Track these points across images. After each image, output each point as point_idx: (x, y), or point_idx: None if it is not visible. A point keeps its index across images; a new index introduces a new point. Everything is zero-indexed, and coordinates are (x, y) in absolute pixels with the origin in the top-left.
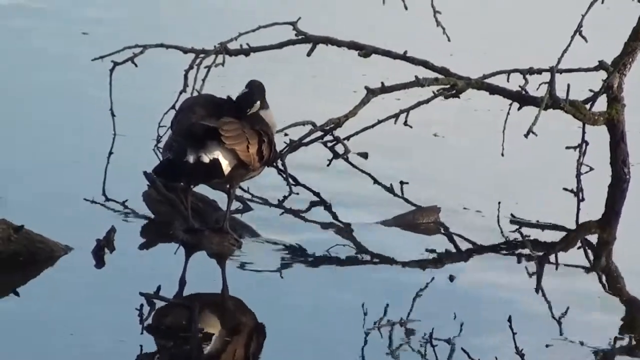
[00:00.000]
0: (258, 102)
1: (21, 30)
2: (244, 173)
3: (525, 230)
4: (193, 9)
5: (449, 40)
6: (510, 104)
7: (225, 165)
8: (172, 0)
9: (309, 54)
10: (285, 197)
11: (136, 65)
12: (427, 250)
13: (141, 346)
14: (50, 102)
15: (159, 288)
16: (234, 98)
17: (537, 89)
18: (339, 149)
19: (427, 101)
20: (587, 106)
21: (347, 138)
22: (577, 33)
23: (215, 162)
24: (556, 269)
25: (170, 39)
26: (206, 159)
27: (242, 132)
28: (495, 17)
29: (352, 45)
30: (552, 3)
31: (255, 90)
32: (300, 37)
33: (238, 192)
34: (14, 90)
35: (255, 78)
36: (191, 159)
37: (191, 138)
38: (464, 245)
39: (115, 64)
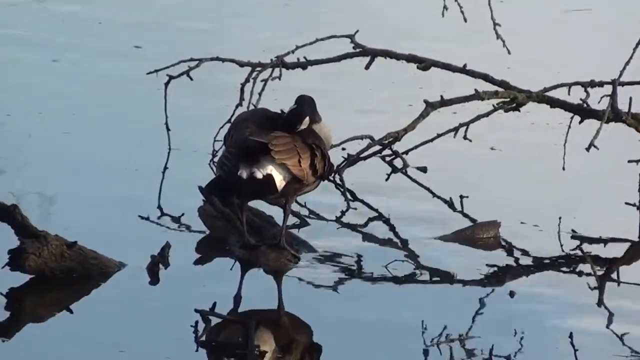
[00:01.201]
0: (307, 118)
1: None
2: (298, 188)
3: (586, 246)
4: (247, 22)
5: (509, 52)
6: (572, 117)
7: (279, 181)
8: (226, 14)
9: (367, 67)
10: (343, 212)
11: (191, 79)
12: (487, 265)
13: None
14: (106, 118)
15: (214, 305)
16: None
17: (599, 102)
18: (398, 163)
19: (487, 114)
20: None
21: (406, 152)
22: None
23: (269, 178)
24: (618, 285)
25: (226, 53)
26: (259, 174)
27: (293, 146)
28: (554, 30)
29: (411, 58)
30: (614, 15)
31: (304, 106)
32: (358, 50)
33: (294, 207)
34: (67, 106)
35: (311, 92)
36: (244, 174)
37: (244, 153)
38: (524, 261)
39: (171, 77)
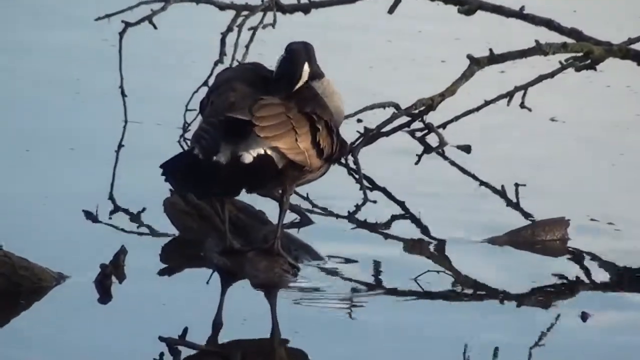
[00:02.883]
0: (306, 66)
1: None
2: (298, 175)
3: None
4: None
5: None
6: None
7: (279, 162)
8: None
9: (391, 11)
10: (358, 207)
11: (155, 27)
12: (551, 277)
13: None
14: (42, 77)
15: (185, 331)
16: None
17: None
18: (432, 140)
19: (552, 75)
20: None
21: (443, 125)
22: None
23: (264, 160)
24: None
25: None
26: (248, 157)
27: (287, 118)
28: None
29: None
30: None
31: (297, 54)
32: None
33: (294, 199)
34: None
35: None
36: (223, 158)
37: (226, 128)
38: (601, 273)
39: (127, 24)
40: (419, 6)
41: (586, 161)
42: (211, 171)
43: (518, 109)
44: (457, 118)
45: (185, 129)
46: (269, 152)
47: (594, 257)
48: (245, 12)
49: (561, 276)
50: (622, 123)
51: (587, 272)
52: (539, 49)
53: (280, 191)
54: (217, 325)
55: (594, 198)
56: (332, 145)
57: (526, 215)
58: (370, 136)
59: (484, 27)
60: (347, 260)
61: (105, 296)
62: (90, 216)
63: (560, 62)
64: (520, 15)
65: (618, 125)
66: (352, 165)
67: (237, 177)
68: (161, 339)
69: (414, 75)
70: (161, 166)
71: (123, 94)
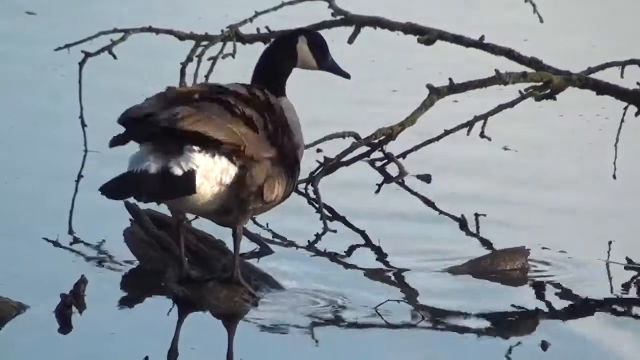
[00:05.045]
0: (303, 39)
1: None
2: (244, 196)
3: None
4: None
5: (541, 21)
6: (625, 108)
7: (203, 185)
8: None
9: (350, 41)
10: (317, 236)
11: (115, 57)
12: (511, 307)
13: None
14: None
15: None
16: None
17: None
18: (392, 169)
19: (512, 104)
20: None
21: (403, 155)
22: None
23: (188, 175)
24: None
25: (161, 22)
26: (177, 170)
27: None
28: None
29: (410, 29)
30: None
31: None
32: (339, 17)
33: (254, 229)
34: None
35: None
36: (152, 168)
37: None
38: (561, 301)
39: (87, 54)
40: (376, 35)
41: (542, 190)
42: (138, 182)
43: (468, 137)
44: (417, 148)
45: None
46: (202, 166)
47: (554, 286)
48: (204, 42)
49: (521, 306)
50: (575, 151)
51: (547, 302)
52: (499, 79)
53: (233, 221)
54: (174, 354)
55: (558, 229)
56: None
57: (486, 244)
58: (330, 166)
59: (434, 57)
60: (307, 290)
61: (65, 326)
62: (51, 244)
63: (520, 92)
64: (480, 45)
65: (570, 154)
66: (312, 194)
67: (161, 187)
68: None
69: (369, 105)
70: (100, 188)
71: (83, 124)
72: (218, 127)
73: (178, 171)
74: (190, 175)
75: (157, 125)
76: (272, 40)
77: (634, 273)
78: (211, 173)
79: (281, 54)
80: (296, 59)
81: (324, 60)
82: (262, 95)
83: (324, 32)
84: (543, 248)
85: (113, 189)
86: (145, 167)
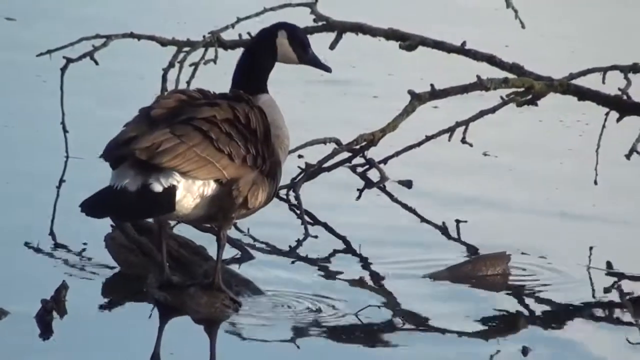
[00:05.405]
0: (283, 34)
1: None
2: (228, 206)
3: (626, 285)
4: None
5: (523, 27)
6: (607, 114)
7: (184, 199)
8: None
9: (332, 47)
10: (299, 242)
11: (97, 63)
12: (492, 312)
13: None
14: None
15: None
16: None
17: None
18: (373, 175)
19: (494, 110)
20: None
21: (384, 161)
22: None
23: (168, 193)
24: None
25: (143, 29)
26: (158, 187)
27: (173, 136)
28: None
29: (392, 34)
30: None
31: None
32: (320, 23)
33: (236, 234)
34: None
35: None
36: (132, 186)
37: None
38: (542, 306)
39: (69, 60)
40: (358, 41)
41: (527, 195)
42: (122, 197)
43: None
44: (398, 153)
45: None
46: (182, 181)
47: (535, 291)
48: (186, 48)
49: (502, 310)
50: (555, 156)
51: (528, 307)
52: (480, 85)
53: (217, 227)
54: None
55: (539, 234)
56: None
57: (468, 249)
58: (311, 172)
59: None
60: (288, 296)
61: (46, 332)
62: (32, 250)
63: (502, 97)
64: (462, 50)
65: (551, 159)
66: (293, 200)
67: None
68: None
69: (350, 111)
70: (80, 204)
71: (65, 130)
72: (198, 164)
73: (158, 187)
74: (171, 191)
75: (135, 157)
76: (255, 35)
77: (615, 278)
78: (193, 187)
79: (261, 49)
80: (276, 54)
81: (305, 55)
82: (245, 107)
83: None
84: (523, 253)
85: (93, 208)
86: (124, 185)
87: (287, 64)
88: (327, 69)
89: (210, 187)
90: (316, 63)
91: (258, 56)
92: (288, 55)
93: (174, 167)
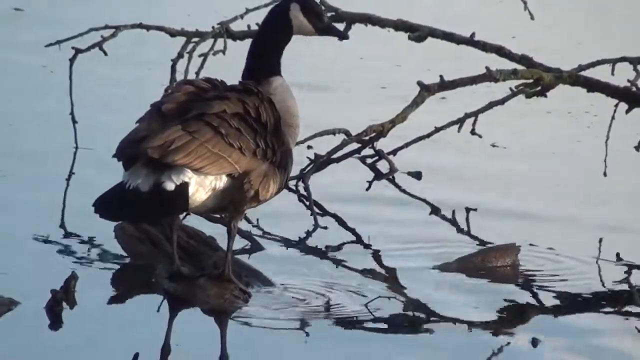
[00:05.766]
0: (297, 6)
1: None
2: (240, 199)
3: (636, 277)
4: None
5: (532, 18)
6: (616, 105)
7: (197, 194)
8: None
9: (345, 36)
10: (308, 233)
11: (105, 54)
12: (502, 303)
13: None
14: None
15: (136, 357)
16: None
17: None
18: (383, 166)
19: (503, 101)
20: None
21: (394, 152)
22: None
23: (182, 189)
24: None
25: (153, 19)
26: (170, 185)
27: (186, 133)
28: None
29: (401, 25)
30: None
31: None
32: (329, 14)
33: (245, 225)
34: None
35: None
36: (144, 186)
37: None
38: (552, 298)
39: (78, 51)
40: (365, 32)
41: (538, 186)
42: (129, 200)
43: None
44: (407, 145)
45: None
46: (194, 178)
47: (544, 283)
48: (195, 39)
49: (512, 302)
50: (562, 149)
51: (538, 298)
52: (489, 76)
53: (228, 218)
54: (165, 350)
55: (548, 225)
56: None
57: (478, 241)
58: (320, 163)
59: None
60: (298, 286)
61: (56, 322)
62: (42, 242)
63: (511, 89)
64: (471, 42)
65: (558, 152)
66: (302, 191)
67: (155, 205)
68: None
69: (359, 101)
70: (93, 204)
71: (74, 120)
72: (210, 160)
73: (170, 186)
74: (183, 187)
75: (147, 156)
76: (266, 15)
77: (624, 269)
78: (205, 181)
79: (276, 25)
80: (291, 27)
81: (320, 24)
82: (255, 100)
83: None
84: (531, 245)
85: (106, 211)
86: (137, 185)
87: (304, 35)
88: (344, 36)
89: (222, 181)
90: (333, 31)
91: (272, 33)
92: (304, 26)
93: (186, 165)
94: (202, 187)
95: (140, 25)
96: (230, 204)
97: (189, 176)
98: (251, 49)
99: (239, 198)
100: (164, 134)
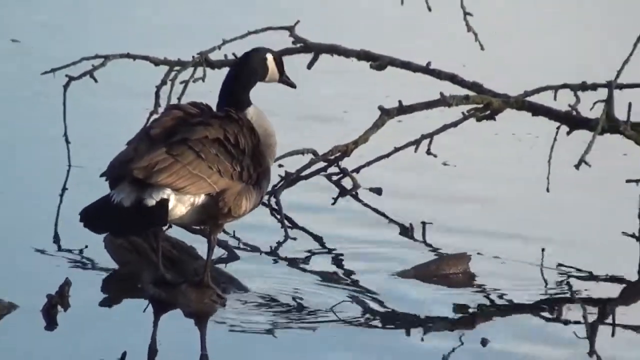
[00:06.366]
0: (269, 57)
1: None
2: (215, 214)
3: (575, 283)
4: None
5: (482, 48)
6: (558, 128)
7: (176, 209)
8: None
9: (309, 66)
10: (279, 243)
11: (96, 81)
12: (454, 307)
13: None
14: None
15: (124, 355)
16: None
17: (592, 108)
18: (347, 183)
19: (456, 124)
20: None
21: (357, 170)
22: None
23: (161, 205)
24: (612, 332)
25: (139, 50)
26: (151, 201)
27: (168, 156)
28: (536, 27)
29: (364, 55)
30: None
31: (259, 50)
32: (299, 45)
33: (223, 236)
34: None
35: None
36: (128, 201)
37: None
38: (500, 302)
39: (71, 78)
40: (327, 61)
41: (487, 200)
42: (117, 212)
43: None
44: (369, 163)
45: None
46: (172, 196)
47: (492, 288)
48: (177, 67)
49: (463, 305)
50: (508, 167)
51: (489, 302)
52: (443, 101)
53: (208, 231)
54: (151, 349)
55: (497, 236)
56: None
57: (432, 250)
58: (290, 180)
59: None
60: (270, 293)
61: (51, 324)
62: (38, 252)
63: (463, 113)
64: (427, 70)
65: (515, 171)
66: (274, 205)
67: (136, 219)
68: None
69: (325, 123)
70: (80, 213)
71: (67, 141)
72: (191, 181)
73: (151, 201)
74: (163, 203)
75: (132, 175)
76: (241, 56)
77: (564, 276)
78: (184, 198)
79: (253, 66)
80: (267, 72)
81: (284, 74)
82: (235, 128)
83: (285, 58)
84: (479, 254)
85: (91, 224)
86: (120, 200)
87: (269, 81)
88: (294, 85)
89: (199, 198)
90: (289, 82)
91: (250, 74)
92: (273, 74)
93: (169, 184)
94: (180, 203)
95: (128, 55)
96: (207, 219)
97: (168, 193)
98: (228, 84)
99: (214, 213)
100: (149, 156)
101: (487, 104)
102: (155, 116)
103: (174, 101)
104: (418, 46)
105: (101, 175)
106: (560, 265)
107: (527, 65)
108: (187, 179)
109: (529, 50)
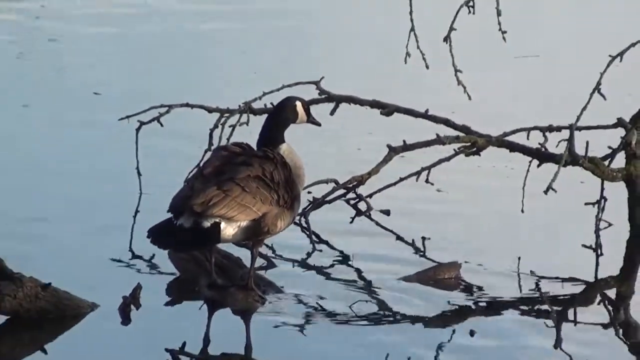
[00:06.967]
0: (298, 104)
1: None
2: (258, 233)
3: (544, 286)
4: (217, 71)
5: (469, 98)
6: (530, 161)
7: (226, 230)
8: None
9: (332, 113)
10: (308, 254)
11: (162, 125)
12: (448, 305)
13: None
14: (71, 167)
15: (184, 344)
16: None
17: (557, 145)
18: (362, 206)
19: (449, 159)
20: (606, 163)
21: (370, 195)
22: (596, 91)
23: (214, 227)
24: (574, 324)
25: (194, 100)
26: (206, 223)
27: (221, 192)
28: (513, 74)
29: (375, 104)
30: (568, 60)
31: (289, 98)
32: (323, 96)
33: (263, 249)
34: (38, 156)
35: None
36: (188, 223)
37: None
38: (484, 302)
39: (142, 123)
40: (349, 108)
41: (475, 221)
42: (179, 233)
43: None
44: (379, 190)
45: None
46: (218, 220)
47: (478, 290)
48: (226, 114)
49: (455, 304)
50: (499, 194)
51: (475, 301)
52: (439, 140)
53: (251, 245)
54: (207, 340)
55: (482, 248)
56: (271, 193)
57: (431, 260)
58: (317, 203)
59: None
60: (301, 293)
61: (126, 320)
62: (116, 261)
63: (454, 150)
64: (425, 115)
65: (497, 197)
66: (304, 224)
67: (193, 239)
68: (167, 350)
69: (343, 158)
70: (148, 231)
71: (139, 173)
72: (241, 211)
73: (207, 224)
74: (216, 226)
75: (193, 210)
76: (277, 104)
77: (536, 280)
78: (233, 222)
79: (286, 112)
80: (297, 116)
81: (311, 116)
82: (270, 166)
83: (312, 107)
84: (467, 262)
85: (157, 240)
86: (181, 223)
87: (299, 123)
88: (319, 124)
89: (245, 222)
90: (315, 122)
91: (284, 117)
92: (302, 117)
93: (222, 215)
94: (229, 225)
95: (187, 105)
96: (251, 236)
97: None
98: (267, 126)
99: (257, 233)
100: (205, 193)
101: (473, 143)
102: (208, 153)
103: (223, 141)
104: (418, 96)
105: (168, 211)
106: (532, 271)
107: (506, 110)
108: (236, 209)
109: (514, 97)
